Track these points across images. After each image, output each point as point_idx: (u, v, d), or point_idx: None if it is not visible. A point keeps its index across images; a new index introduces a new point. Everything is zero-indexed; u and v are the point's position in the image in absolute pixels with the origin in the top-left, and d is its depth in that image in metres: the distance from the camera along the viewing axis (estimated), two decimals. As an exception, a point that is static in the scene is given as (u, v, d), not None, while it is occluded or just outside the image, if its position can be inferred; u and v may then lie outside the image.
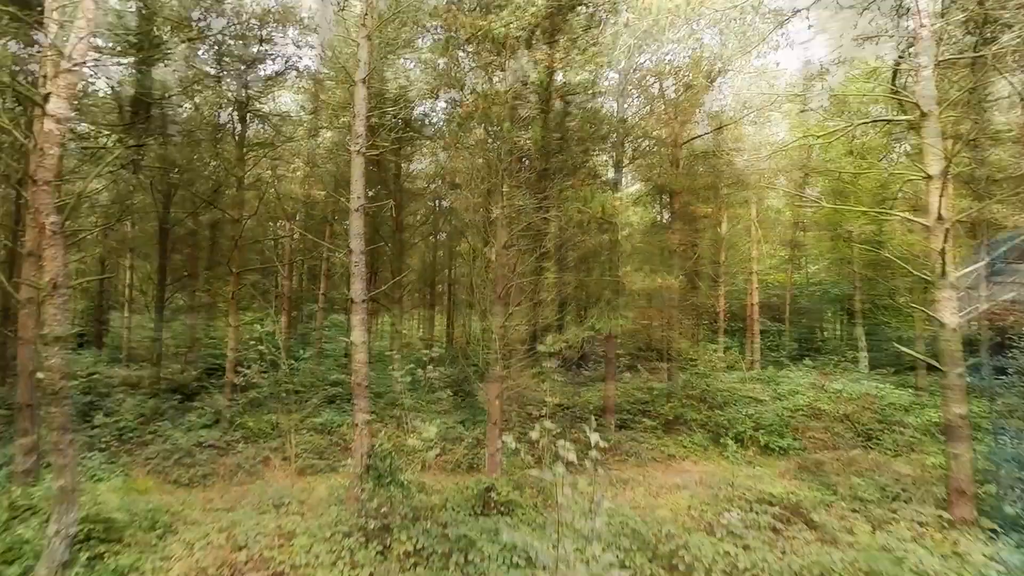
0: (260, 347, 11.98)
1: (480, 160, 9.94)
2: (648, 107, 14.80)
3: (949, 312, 8.50)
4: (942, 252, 8.29)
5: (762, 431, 15.15)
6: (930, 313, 8.52)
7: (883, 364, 30.44)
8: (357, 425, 9.77)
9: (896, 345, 12.42)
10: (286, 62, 15.40)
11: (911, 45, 9.54)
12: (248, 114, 16.25)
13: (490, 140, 9.84)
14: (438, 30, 10.81)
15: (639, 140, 12.96)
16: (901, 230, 14.56)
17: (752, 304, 27.34)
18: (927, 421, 15.98)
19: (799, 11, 11.05)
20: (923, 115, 8.62)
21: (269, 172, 18.33)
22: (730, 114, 15.69)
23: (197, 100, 16.51)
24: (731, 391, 18.04)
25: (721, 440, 15.16)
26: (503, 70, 9.59)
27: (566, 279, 10.26)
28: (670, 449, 14.96)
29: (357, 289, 9.82)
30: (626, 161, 13.80)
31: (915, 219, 8.77)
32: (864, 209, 8.88)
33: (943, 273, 8.36)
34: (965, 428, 8.91)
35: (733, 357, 23.47)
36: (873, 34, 9.46)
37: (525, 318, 10.43)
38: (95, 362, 22.42)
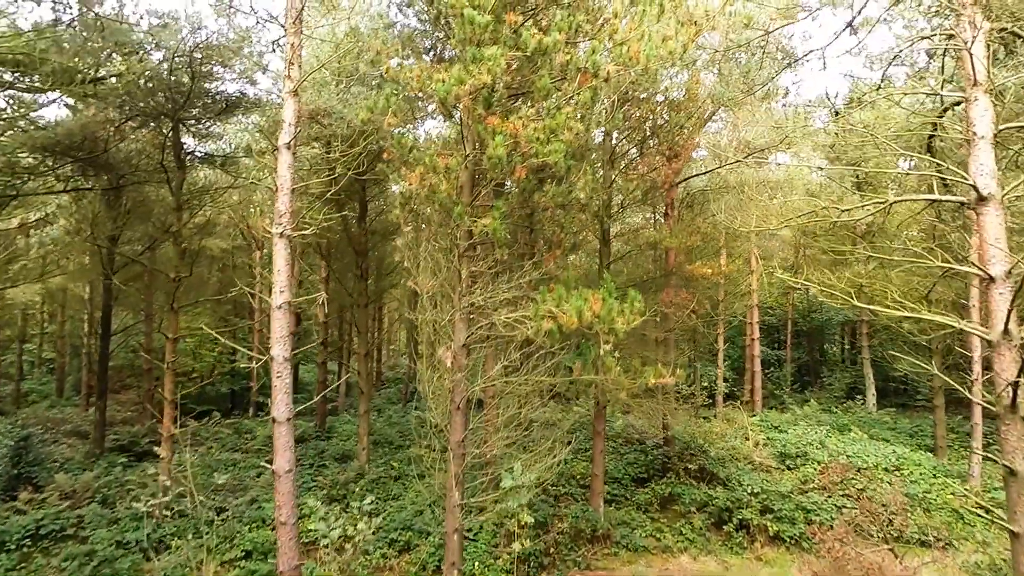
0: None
1: (432, 244, 8.12)
2: (637, 149, 13.02)
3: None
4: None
5: (770, 516, 13.37)
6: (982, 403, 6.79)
7: (890, 394, 28.89)
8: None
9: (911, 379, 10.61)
10: (226, 100, 13.49)
11: (957, 104, 7.78)
12: (187, 156, 14.35)
13: (441, 223, 8.05)
14: (380, 82, 9.05)
15: (628, 196, 11.18)
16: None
17: (752, 339, 25.63)
18: (953, 493, 14.30)
19: (811, 52, 9.30)
20: (981, 199, 6.88)
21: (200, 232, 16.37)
22: (732, 154, 13.93)
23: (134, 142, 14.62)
24: (733, 455, 16.26)
25: (724, 527, 13.37)
26: (456, 142, 7.78)
27: (539, 383, 8.41)
28: (666, 538, 13.16)
29: (280, 406, 7.96)
30: (613, 228, 12.09)
31: (973, 330, 7.00)
32: (899, 312, 7.04)
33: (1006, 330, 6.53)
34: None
35: (733, 412, 21.65)
36: (909, 90, 7.69)
37: (491, 432, 8.60)
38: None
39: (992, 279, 6.75)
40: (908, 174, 10.95)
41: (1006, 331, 6.59)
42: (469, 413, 8.39)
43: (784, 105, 10.93)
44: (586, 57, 7.77)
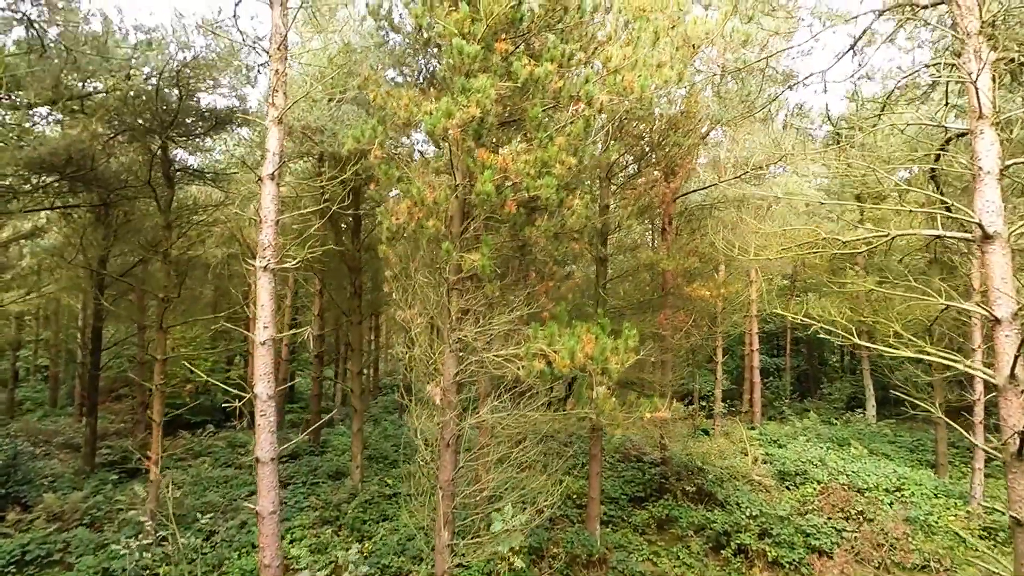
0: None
1: (421, 277, 7.88)
2: (635, 167, 12.78)
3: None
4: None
5: (769, 540, 13.14)
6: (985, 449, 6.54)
7: (891, 404, 28.60)
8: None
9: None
10: (216, 117, 13.24)
11: (962, 136, 7.55)
12: (176, 172, 14.10)
13: (429, 257, 7.81)
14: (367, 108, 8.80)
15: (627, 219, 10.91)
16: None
17: (752, 350, 25.42)
18: (955, 515, 14.09)
19: (811, 75, 9.05)
20: (986, 237, 6.64)
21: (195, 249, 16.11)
22: (730, 170, 13.70)
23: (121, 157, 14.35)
24: (731, 474, 16.03)
25: (722, 552, 13.14)
26: (444, 173, 7.54)
27: (532, 421, 8.18)
28: (663, 563, 12.93)
29: (264, 445, 7.73)
30: (610, 246, 11.81)
31: (978, 372, 6.76)
32: (898, 353, 6.81)
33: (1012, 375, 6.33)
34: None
35: (732, 424, 21.43)
36: (913, 121, 7.43)
37: (483, 470, 8.37)
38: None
39: (998, 321, 6.52)
40: (909, 190, 10.72)
41: (1012, 376, 6.35)
42: (459, 451, 8.16)
43: (785, 126, 10.68)
44: (579, 85, 7.55)
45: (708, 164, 16.25)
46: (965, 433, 7.02)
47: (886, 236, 7.49)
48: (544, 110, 7.84)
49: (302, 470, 17.95)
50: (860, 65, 8.70)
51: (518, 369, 7.03)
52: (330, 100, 13.05)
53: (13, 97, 11.98)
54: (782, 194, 13.16)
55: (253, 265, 7.79)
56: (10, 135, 12.79)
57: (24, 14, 10.21)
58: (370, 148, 7.69)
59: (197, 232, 16.31)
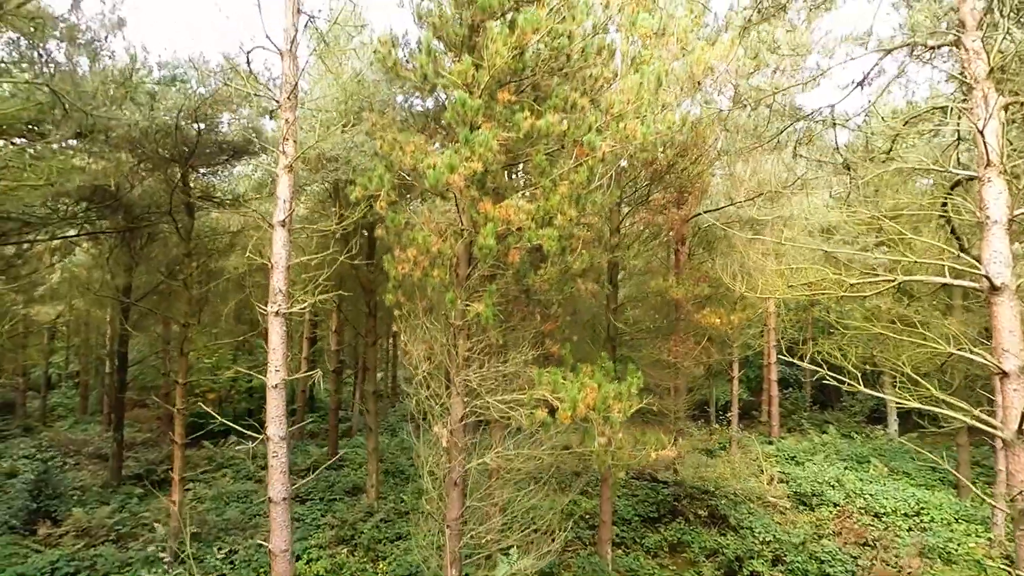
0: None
1: (428, 323, 8.03)
2: (644, 191, 12.76)
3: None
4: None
5: (782, 567, 13.06)
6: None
7: (913, 415, 28.03)
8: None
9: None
10: (234, 148, 13.59)
11: (971, 180, 7.44)
12: (198, 199, 14.50)
13: (435, 303, 7.96)
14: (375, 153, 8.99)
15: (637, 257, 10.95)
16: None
17: (769, 363, 25.16)
18: (976, 542, 13.83)
19: (820, 109, 8.99)
20: (994, 288, 6.56)
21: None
22: (742, 194, 13.63)
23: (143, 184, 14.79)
24: (746, 496, 15.93)
25: (735, 579, 13.10)
26: (447, 230, 7.67)
27: (539, 461, 8.29)
28: (676, 588, 12.96)
29: (276, 486, 7.97)
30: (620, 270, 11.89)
31: (986, 426, 6.67)
32: (908, 403, 6.76)
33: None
34: None
35: (747, 439, 21.26)
36: (919, 166, 7.35)
37: (491, 509, 8.51)
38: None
39: (1006, 374, 6.44)
40: (914, 239, 10.60)
41: (1020, 431, 6.27)
42: (466, 490, 8.30)
43: (794, 155, 10.60)
44: (583, 130, 7.62)
45: (722, 180, 16.15)
46: (985, 497, 6.94)
47: (892, 281, 7.43)
48: (548, 152, 7.94)
49: (320, 485, 18.31)
50: (869, 101, 8.62)
51: (521, 417, 7.14)
52: (344, 129, 13.33)
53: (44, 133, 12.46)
54: (786, 239, 13.08)
55: (265, 310, 8.03)
56: (43, 173, 13.31)
57: (49, 55, 10.63)
58: (378, 194, 7.88)
59: (217, 255, 16.76)
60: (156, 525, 15.04)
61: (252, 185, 15.86)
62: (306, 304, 8.18)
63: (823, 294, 7.91)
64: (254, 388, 28.91)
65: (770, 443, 23.23)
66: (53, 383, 36.93)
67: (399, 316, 8.39)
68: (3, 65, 8.94)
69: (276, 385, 7.97)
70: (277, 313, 8.00)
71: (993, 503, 9.81)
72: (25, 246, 15.69)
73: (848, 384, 7.34)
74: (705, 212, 14.72)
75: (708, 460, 17.87)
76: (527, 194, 7.57)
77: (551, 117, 7.13)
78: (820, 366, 7.66)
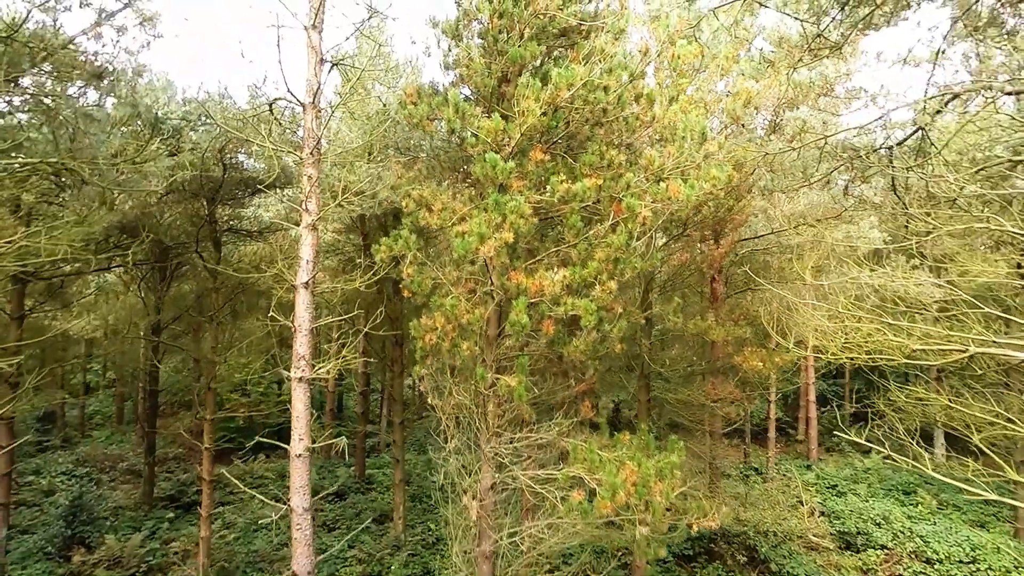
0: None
1: (457, 395, 7.66)
2: (681, 231, 12.19)
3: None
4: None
5: (827, 623, 12.41)
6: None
7: (961, 438, 26.69)
8: None
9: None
10: (258, 183, 13.43)
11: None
12: (222, 234, 14.42)
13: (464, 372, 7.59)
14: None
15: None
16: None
17: (808, 383, 24.24)
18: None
19: (879, 150, 8.32)
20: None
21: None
22: (785, 222, 12.92)
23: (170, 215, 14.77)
24: (786, 537, 15.23)
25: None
26: (476, 291, 7.27)
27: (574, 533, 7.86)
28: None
29: (300, 559, 7.70)
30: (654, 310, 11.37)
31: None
32: (980, 493, 6.13)
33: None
34: None
35: (784, 460, 20.48)
36: (984, 226, 6.68)
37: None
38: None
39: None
40: (979, 307, 9.78)
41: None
42: (497, 563, 7.93)
43: (845, 193, 9.92)
44: (621, 188, 7.14)
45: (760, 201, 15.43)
46: None
47: (964, 353, 6.78)
48: (583, 206, 7.47)
49: (347, 512, 18.21)
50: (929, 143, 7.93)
51: (555, 499, 6.72)
52: (369, 160, 13.06)
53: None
54: (838, 239, 12.31)
55: (289, 376, 7.76)
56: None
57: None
58: (403, 255, 7.54)
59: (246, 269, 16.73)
60: (186, 557, 15.10)
61: (279, 214, 15.73)
62: (328, 367, 7.88)
63: (880, 358, 7.28)
64: (285, 402, 29.09)
65: (808, 467, 22.39)
66: (92, 387, 37.78)
67: (425, 378, 8.04)
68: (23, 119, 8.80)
69: (300, 455, 7.69)
70: (301, 379, 7.72)
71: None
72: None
73: (911, 466, 6.71)
74: (742, 240, 14.04)
75: (745, 492, 17.18)
76: (560, 253, 7.12)
77: (587, 182, 6.67)
78: (874, 445, 7.04)
